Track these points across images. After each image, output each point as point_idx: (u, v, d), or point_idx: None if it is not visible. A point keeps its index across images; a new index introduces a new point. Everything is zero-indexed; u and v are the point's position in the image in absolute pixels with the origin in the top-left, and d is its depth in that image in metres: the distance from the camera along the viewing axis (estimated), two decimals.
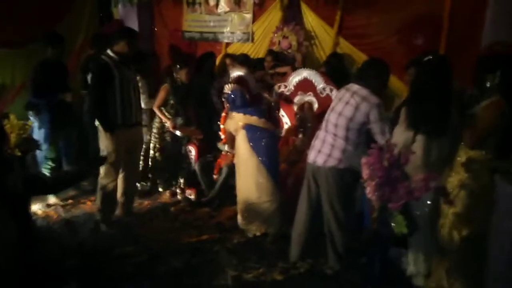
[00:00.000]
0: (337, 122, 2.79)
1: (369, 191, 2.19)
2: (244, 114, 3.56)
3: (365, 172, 2.20)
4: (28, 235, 2.83)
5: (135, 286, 2.79)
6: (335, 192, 2.82)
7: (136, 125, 3.62)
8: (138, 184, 4.34)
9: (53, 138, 4.21)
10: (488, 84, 2.50)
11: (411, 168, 2.31)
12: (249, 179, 3.52)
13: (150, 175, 4.56)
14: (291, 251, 3.10)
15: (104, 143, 3.48)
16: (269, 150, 3.53)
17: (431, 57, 2.87)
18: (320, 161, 2.85)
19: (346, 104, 2.76)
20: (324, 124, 2.91)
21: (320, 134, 2.94)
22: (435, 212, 2.59)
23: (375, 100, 2.69)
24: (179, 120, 4.31)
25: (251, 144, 3.51)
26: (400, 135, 2.70)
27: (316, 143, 2.94)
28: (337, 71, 4.15)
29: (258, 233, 3.53)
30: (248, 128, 3.54)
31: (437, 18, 4.01)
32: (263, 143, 3.50)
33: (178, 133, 4.34)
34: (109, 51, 3.42)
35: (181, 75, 4.31)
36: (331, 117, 2.85)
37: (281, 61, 4.68)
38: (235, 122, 3.61)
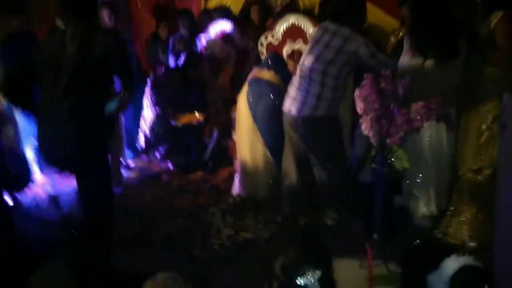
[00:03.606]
0: (313, 66, 2.53)
1: (365, 126, 1.99)
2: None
3: (359, 106, 2.00)
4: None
5: (129, 255, 2.63)
6: (316, 143, 2.60)
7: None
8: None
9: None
10: None
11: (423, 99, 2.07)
12: (244, 140, 3.24)
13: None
14: (282, 206, 2.91)
15: None
16: (268, 112, 3.05)
17: None
18: (294, 110, 2.61)
19: (326, 47, 2.50)
20: (299, 69, 2.65)
21: (295, 80, 2.68)
22: (450, 145, 2.35)
23: (360, 38, 2.45)
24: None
25: (249, 100, 3.16)
26: (407, 65, 2.44)
27: (291, 90, 2.69)
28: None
29: (245, 197, 3.24)
30: (252, 81, 3.19)
31: None
32: (262, 102, 3.08)
33: (173, 122, 4.01)
34: None
35: (161, 31, 4.00)
36: (306, 61, 2.58)
37: (266, 10, 4.36)
38: None
